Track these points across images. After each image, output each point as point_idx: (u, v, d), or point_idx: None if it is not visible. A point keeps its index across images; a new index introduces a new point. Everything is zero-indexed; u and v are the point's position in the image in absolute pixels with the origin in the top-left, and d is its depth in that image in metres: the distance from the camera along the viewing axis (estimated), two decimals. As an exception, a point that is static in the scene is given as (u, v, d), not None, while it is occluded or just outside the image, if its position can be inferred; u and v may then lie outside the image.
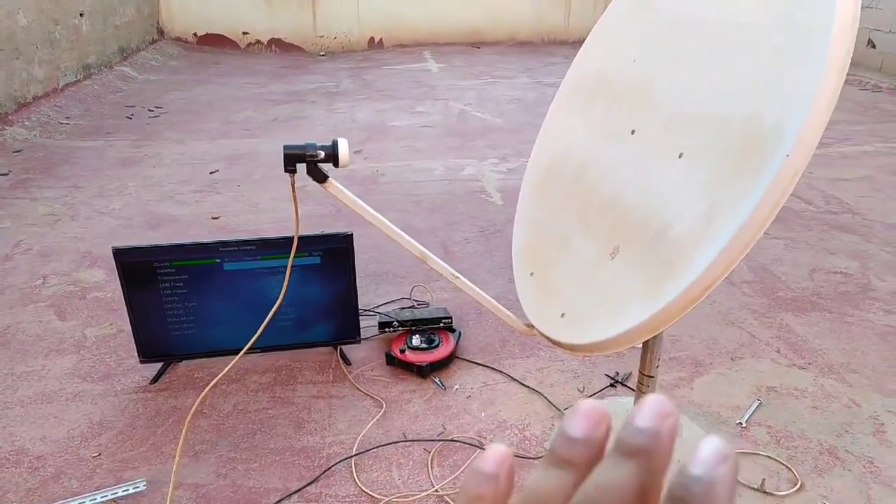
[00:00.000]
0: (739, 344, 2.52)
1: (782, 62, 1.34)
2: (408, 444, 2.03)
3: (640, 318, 1.36)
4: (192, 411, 1.77)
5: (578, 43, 9.60)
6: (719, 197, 1.35)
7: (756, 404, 2.18)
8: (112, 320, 2.67)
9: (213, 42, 9.14)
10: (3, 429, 2.07)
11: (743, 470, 1.91)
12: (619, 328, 1.41)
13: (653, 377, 1.83)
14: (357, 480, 1.88)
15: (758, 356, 2.45)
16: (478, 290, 1.92)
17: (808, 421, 2.11)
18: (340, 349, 2.46)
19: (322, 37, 9.36)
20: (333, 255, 2.30)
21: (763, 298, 2.84)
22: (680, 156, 1.53)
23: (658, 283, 1.38)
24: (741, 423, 2.09)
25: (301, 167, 1.65)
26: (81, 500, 1.73)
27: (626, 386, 2.28)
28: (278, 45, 9.29)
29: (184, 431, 1.75)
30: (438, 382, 2.30)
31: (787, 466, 1.92)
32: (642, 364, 1.83)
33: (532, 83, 7.29)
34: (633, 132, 1.75)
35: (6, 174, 4.34)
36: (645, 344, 1.78)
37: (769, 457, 1.96)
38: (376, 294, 2.87)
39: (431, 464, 1.95)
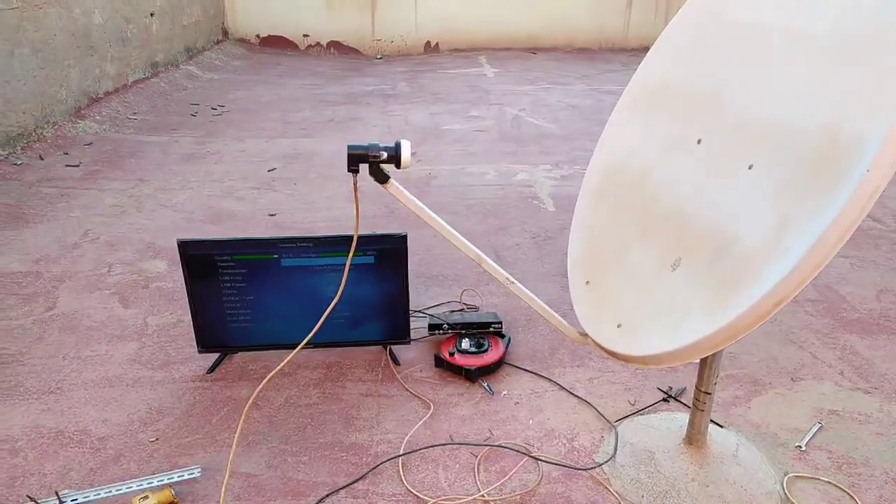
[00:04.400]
0: (800, 364, 2.43)
1: (864, 72, 1.29)
2: (455, 447, 2.03)
3: (703, 332, 1.32)
4: (249, 403, 1.82)
5: (638, 50, 9.38)
6: (791, 211, 1.31)
7: (817, 427, 2.09)
8: (173, 310, 2.76)
9: (275, 43, 9.38)
10: (68, 409, 2.17)
11: (802, 495, 1.84)
12: (680, 342, 1.38)
13: (710, 394, 1.78)
14: (404, 480, 1.89)
15: (820, 378, 2.36)
16: (532, 296, 1.91)
17: (873, 448, 2.02)
18: (390, 349, 2.48)
19: (379, 40, 9.49)
20: (387, 255, 2.32)
21: (827, 318, 2.73)
22: (749, 167, 1.49)
23: (723, 298, 1.34)
24: (800, 447, 2.01)
25: (363, 168, 1.66)
26: (140, 483, 1.79)
27: (679, 401, 2.22)
28: (337, 48, 9.46)
29: (241, 422, 1.79)
30: (487, 387, 2.29)
31: (849, 494, 1.84)
32: (700, 380, 1.78)
33: (588, 90, 7.21)
34: (699, 142, 1.71)
35: (77, 165, 4.55)
36: (704, 359, 1.74)
37: (830, 483, 1.88)
38: (426, 296, 2.89)
39: (478, 468, 1.94)
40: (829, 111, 1.33)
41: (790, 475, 1.90)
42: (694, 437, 1.88)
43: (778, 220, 1.33)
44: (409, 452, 1.99)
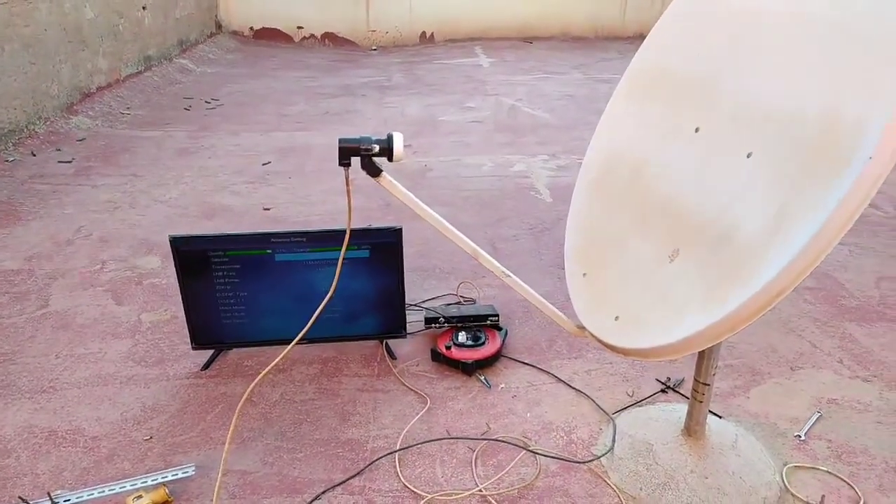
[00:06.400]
0: (799, 353, 2.41)
1: (864, 56, 1.26)
2: (452, 441, 2.01)
3: (701, 324, 1.30)
4: (242, 400, 1.79)
5: (634, 38, 9.35)
6: (791, 200, 1.28)
7: (816, 416, 2.08)
8: (167, 306, 2.73)
9: (269, 36, 9.30)
10: (61, 408, 2.14)
11: (801, 485, 1.82)
12: (678, 334, 1.36)
13: (708, 385, 1.76)
14: (400, 476, 1.87)
15: (819, 366, 2.34)
16: (529, 289, 1.89)
17: (873, 437, 2.00)
18: (386, 343, 2.46)
19: (374, 31, 9.42)
20: (382, 249, 2.29)
21: (825, 306, 2.72)
22: (748, 155, 1.46)
23: (722, 289, 1.32)
24: (800, 436, 2.00)
25: (354, 161, 1.63)
26: (133, 482, 1.77)
27: (678, 392, 2.21)
28: (331, 40, 9.38)
29: (234, 420, 1.77)
30: (484, 380, 2.27)
31: (848, 483, 1.83)
32: (697, 371, 1.77)
33: (585, 79, 7.16)
34: (696, 130, 1.68)
35: (70, 161, 4.51)
36: (702, 350, 1.72)
37: (829, 472, 1.87)
38: (422, 289, 2.87)
39: (475, 463, 1.92)
40: (829, 97, 1.31)
41: (790, 465, 1.89)
42: (693, 429, 1.87)
43: (778, 209, 1.30)
44: (406, 448, 1.98)
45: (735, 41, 1.65)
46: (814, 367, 2.34)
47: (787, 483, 1.82)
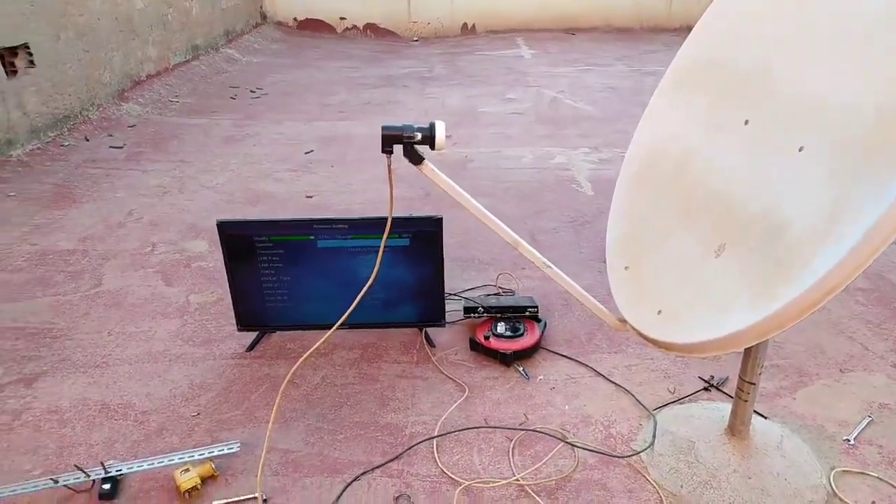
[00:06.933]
0: (850, 355, 2.35)
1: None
2: (489, 430, 2.02)
3: (749, 320, 1.28)
4: (285, 381, 1.83)
5: (681, 30, 9.10)
6: (845, 196, 1.25)
7: (867, 421, 2.02)
8: (213, 289, 2.81)
9: (312, 27, 9.40)
10: (113, 383, 2.23)
11: (850, 490, 1.78)
12: (724, 330, 1.33)
13: (754, 384, 1.73)
14: (438, 461, 1.89)
15: (870, 370, 2.27)
16: (569, 280, 1.88)
17: (926, 444, 1.94)
18: (425, 331, 2.48)
19: (416, 22, 9.43)
20: (422, 238, 2.31)
21: (878, 308, 2.63)
22: (800, 149, 1.42)
23: (771, 285, 1.29)
24: (849, 440, 1.95)
25: (397, 149, 1.65)
26: (181, 456, 1.83)
27: (721, 391, 2.17)
28: (373, 30, 9.43)
29: (277, 400, 1.81)
30: (522, 371, 2.27)
31: (899, 491, 1.78)
32: (743, 369, 1.73)
33: (628, 71, 7.04)
34: (745, 122, 1.65)
35: (121, 147, 4.65)
36: (748, 348, 1.69)
37: (880, 478, 1.81)
38: (462, 279, 2.87)
39: (513, 452, 1.93)
40: (887, 89, 1.26)
41: (837, 469, 1.84)
42: (736, 428, 1.84)
43: (831, 204, 1.27)
44: (444, 434, 1.99)
45: (786, 32, 1.60)
46: (865, 370, 2.27)
47: (834, 487, 1.78)
